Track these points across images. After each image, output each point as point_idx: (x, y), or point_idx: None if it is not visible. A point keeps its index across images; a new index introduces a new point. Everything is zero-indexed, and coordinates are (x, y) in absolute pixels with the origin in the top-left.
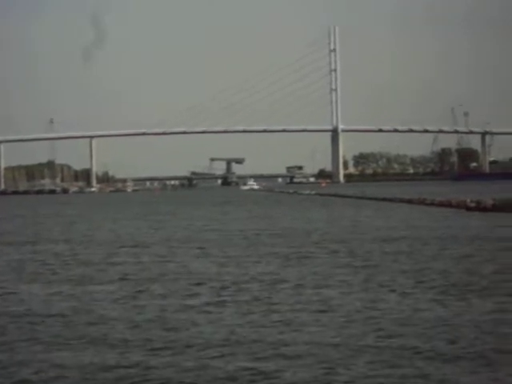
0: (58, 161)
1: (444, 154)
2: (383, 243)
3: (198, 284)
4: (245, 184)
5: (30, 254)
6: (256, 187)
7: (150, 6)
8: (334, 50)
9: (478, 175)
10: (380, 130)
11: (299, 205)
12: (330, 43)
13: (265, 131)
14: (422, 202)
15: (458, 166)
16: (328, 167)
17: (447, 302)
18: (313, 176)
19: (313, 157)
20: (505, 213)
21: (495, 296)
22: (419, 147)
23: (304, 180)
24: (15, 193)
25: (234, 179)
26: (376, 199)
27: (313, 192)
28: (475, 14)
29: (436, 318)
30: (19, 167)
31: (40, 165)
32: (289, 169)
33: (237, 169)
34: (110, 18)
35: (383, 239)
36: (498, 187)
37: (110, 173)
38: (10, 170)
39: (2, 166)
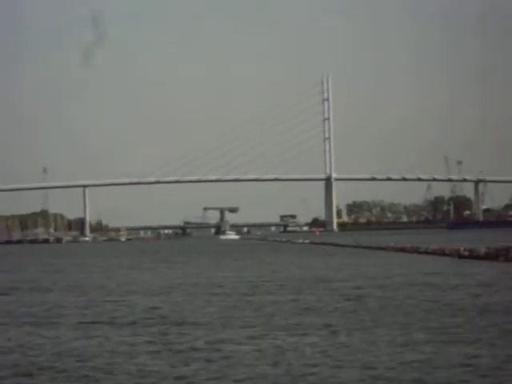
0: (52, 210)
1: (437, 202)
2: (377, 290)
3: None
4: (224, 233)
5: None
6: (235, 237)
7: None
8: (327, 99)
9: (472, 223)
10: (373, 179)
11: (294, 253)
12: (323, 92)
13: (258, 180)
14: (415, 251)
15: (453, 214)
16: (321, 216)
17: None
18: (306, 224)
19: (306, 205)
20: (497, 261)
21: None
22: (412, 196)
23: (297, 229)
24: (8, 242)
25: (228, 228)
26: (370, 248)
27: (306, 241)
28: (477, 65)
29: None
30: (12, 216)
31: (33, 214)
32: (282, 217)
33: (230, 217)
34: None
35: (377, 286)
36: (492, 235)
37: (104, 222)
38: (4, 219)
39: None
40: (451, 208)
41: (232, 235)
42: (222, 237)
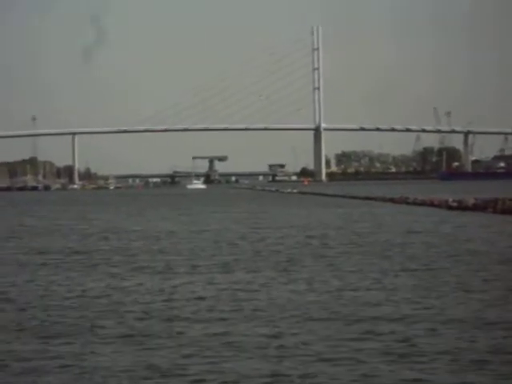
0: (41, 158)
1: (426, 153)
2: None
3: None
4: (190, 183)
5: None
6: (202, 186)
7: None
8: (317, 48)
9: (462, 174)
10: (362, 129)
11: (283, 203)
12: (313, 42)
13: (247, 129)
14: (403, 201)
15: (445, 165)
16: (310, 165)
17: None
18: (295, 174)
19: (295, 155)
20: (485, 212)
21: None
22: (401, 146)
23: (286, 178)
24: None
25: (217, 177)
26: (359, 198)
27: (295, 190)
28: (461, 19)
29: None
30: (1, 164)
31: (22, 161)
32: (271, 167)
33: (219, 166)
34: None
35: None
36: (482, 186)
37: (93, 170)
38: None
39: None
40: (443, 159)
41: (199, 184)
42: (189, 186)
